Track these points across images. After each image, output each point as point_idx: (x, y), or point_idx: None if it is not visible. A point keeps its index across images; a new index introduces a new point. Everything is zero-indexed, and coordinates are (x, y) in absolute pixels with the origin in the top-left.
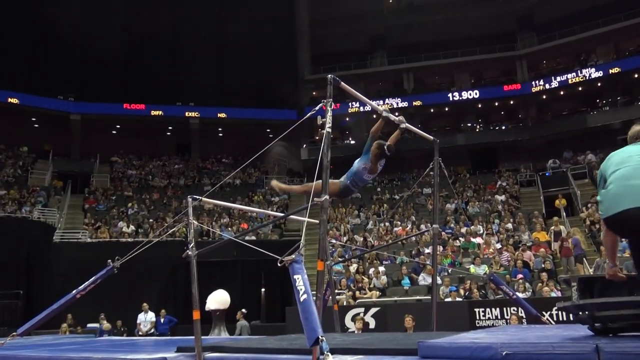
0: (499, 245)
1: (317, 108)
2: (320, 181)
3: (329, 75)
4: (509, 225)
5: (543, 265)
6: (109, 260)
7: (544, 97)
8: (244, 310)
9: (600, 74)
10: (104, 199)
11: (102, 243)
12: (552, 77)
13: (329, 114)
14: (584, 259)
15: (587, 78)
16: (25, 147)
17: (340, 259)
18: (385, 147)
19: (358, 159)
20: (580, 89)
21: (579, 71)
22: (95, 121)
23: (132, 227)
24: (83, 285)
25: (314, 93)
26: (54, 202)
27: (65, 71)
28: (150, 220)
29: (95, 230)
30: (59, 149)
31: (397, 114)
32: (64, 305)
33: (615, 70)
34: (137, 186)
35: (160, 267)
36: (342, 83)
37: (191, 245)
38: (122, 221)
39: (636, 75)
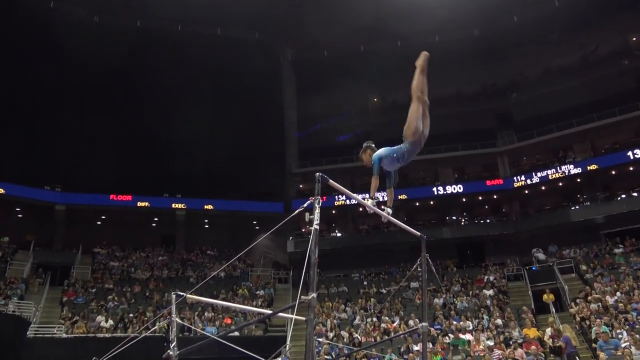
0: (489, 342)
1: (305, 205)
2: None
3: (317, 174)
4: (499, 321)
5: None
6: None
7: (526, 192)
8: None
9: (579, 170)
10: (84, 291)
11: (77, 339)
12: (533, 173)
13: (317, 211)
14: (577, 357)
15: (567, 174)
16: (6, 238)
17: (326, 357)
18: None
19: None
20: (560, 184)
21: (558, 167)
22: (80, 212)
23: (110, 322)
24: None
25: (301, 186)
26: (32, 294)
27: (53, 161)
28: (130, 314)
29: (72, 325)
30: (42, 240)
31: (382, 207)
32: None
33: (593, 167)
34: (118, 278)
35: None
36: (330, 180)
37: (173, 345)
38: (100, 315)
39: (613, 172)
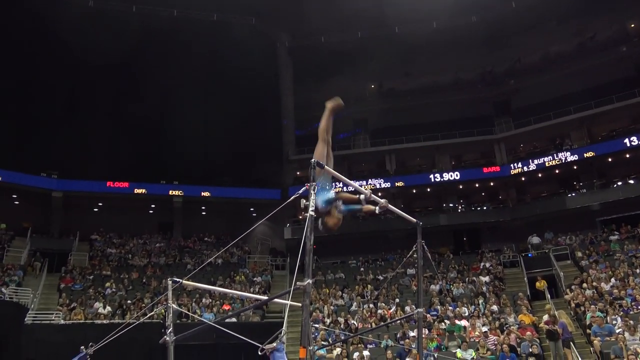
0: (484, 328)
1: (301, 191)
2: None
3: (312, 159)
4: (494, 307)
5: (530, 350)
6: (82, 347)
7: (523, 179)
8: None
9: (575, 157)
10: (81, 278)
11: (75, 325)
12: (530, 160)
13: (312, 197)
14: (571, 343)
15: (563, 161)
16: (3, 225)
17: (323, 343)
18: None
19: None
20: (557, 171)
21: (555, 154)
22: (77, 199)
23: (108, 308)
24: None
25: (298, 173)
26: (29, 281)
27: (50, 148)
28: (128, 301)
29: (70, 311)
30: (39, 227)
31: (379, 193)
32: None
33: (590, 154)
34: (116, 265)
35: (137, 350)
36: (326, 166)
37: (169, 330)
38: (98, 302)
39: (610, 159)
